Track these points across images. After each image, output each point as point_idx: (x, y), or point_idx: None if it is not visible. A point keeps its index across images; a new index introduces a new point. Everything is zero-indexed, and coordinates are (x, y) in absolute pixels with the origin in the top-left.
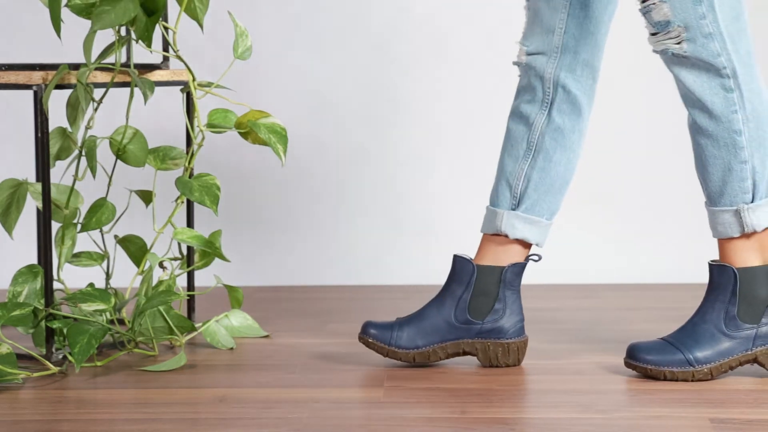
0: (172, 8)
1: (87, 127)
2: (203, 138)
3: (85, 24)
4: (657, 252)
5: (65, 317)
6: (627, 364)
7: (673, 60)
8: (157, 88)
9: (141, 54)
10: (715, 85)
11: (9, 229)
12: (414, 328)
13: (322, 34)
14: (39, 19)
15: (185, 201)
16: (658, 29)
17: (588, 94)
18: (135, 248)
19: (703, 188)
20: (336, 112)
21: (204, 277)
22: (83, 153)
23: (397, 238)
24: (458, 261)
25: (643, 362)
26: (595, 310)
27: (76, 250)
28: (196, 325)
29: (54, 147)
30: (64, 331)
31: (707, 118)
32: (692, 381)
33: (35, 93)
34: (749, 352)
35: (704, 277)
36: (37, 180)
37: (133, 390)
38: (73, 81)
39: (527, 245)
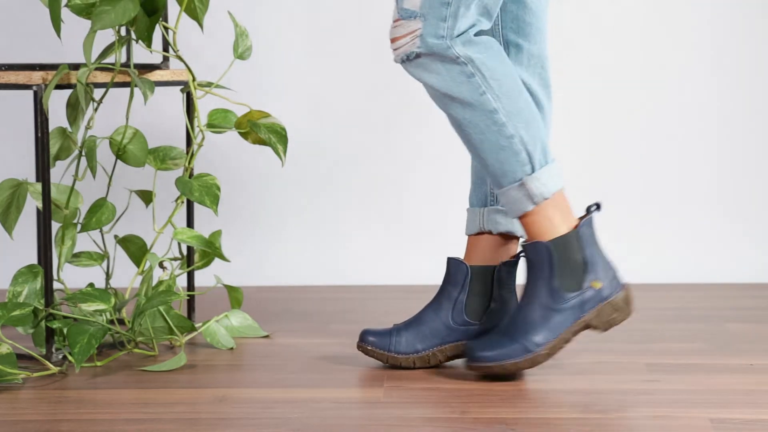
0: (172, 8)
1: (87, 127)
2: (203, 138)
3: (85, 24)
4: (657, 252)
5: (65, 317)
6: (469, 368)
7: (414, 65)
8: (157, 88)
9: (141, 54)
10: (456, 74)
11: (9, 229)
12: (412, 333)
13: (322, 34)
14: (39, 19)
15: (185, 201)
16: (403, 15)
17: (541, 83)
18: (135, 248)
19: (487, 177)
20: (336, 112)
21: (204, 277)
22: (83, 153)
23: (398, 238)
24: (452, 263)
25: (487, 360)
26: None
27: (76, 250)
28: (196, 325)
29: (54, 147)
30: (64, 331)
31: (462, 108)
32: (534, 366)
33: (35, 93)
34: (581, 319)
35: (704, 277)
36: (37, 180)
37: (133, 390)
38: (73, 81)
39: (514, 238)
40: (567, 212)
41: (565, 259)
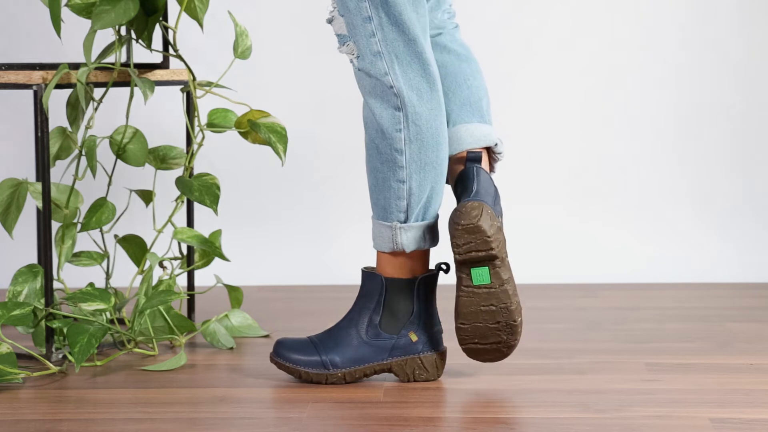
0: (172, 8)
1: (87, 127)
2: (203, 138)
3: (85, 24)
4: (657, 252)
5: (65, 317)
6: (271, 360)
7: (356, 71)
8: (157, 88)
9: (141, 54)
10: (386, 101)
11: (9, 229)
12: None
13: (322, 33)
14: (39, 19)
15: (185, 201)
16: (339, 42)
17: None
18: (135, 248)
19: (370, 198)
20: (336, 112)
21: (204, 277)
22: (83, 153)
23: None
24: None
25: (284, 359)
26: (595, 310)
27: (76, 250)
28: (196, 325)
29: (54, 147)
30: (64, 330)
31: (375, 131)
32: (326, 384)
33: (35, 93)
34: (384, 362)
35: (704, 277)
36: (37, 180)
37: (133, 390)
38: (73, 81)
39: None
40: (419, 266)
41: (394, 302)
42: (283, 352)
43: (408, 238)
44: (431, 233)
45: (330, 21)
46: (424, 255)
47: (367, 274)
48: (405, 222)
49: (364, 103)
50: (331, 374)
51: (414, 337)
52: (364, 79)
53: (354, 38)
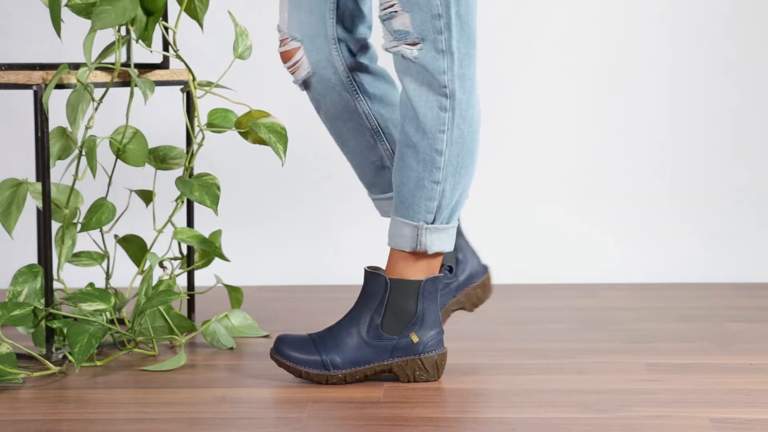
0: (172, 8)
1: (87, 127)
2: (203, 138)
3: (85, 24)
4: (657, 252)
5: (65, 317)
6: (271, 356)
7: (403, 65)
8: (157, 88)
9: (141, 54)
10: (433, 100)
11: (9, 229)
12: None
13: None
14: (39, 19)
15: (185, 201)
16: (394, 38)
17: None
18: (135, 248)
19: (394, 195)
20: None
21: (204, 277)
22: (83, 153)
23: None
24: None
25: (284, 357)
26: (595, 310)
27: (76, 250)
28: (196, 325)
29: (54, 147)
30: (64, 330)
31: (415, 129)
32: (326, 384)
33: (35, 93)
34: (385, 363)
35: (704, 277)
36: (37, 180)
37: (133, 390)
38: (73, 81)
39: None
40: (435, 267)
41: (397, 303)
42: (283, 349)
43: (432, 239)
44: (452, 237)
45: (387, 18)
46: (441, 257)
47: (371, 274)
48: (432, 223)
49: (403, 102)
50: (331, 375)
51: (415, 338)
52: (419, 74)
53: (421, 34)
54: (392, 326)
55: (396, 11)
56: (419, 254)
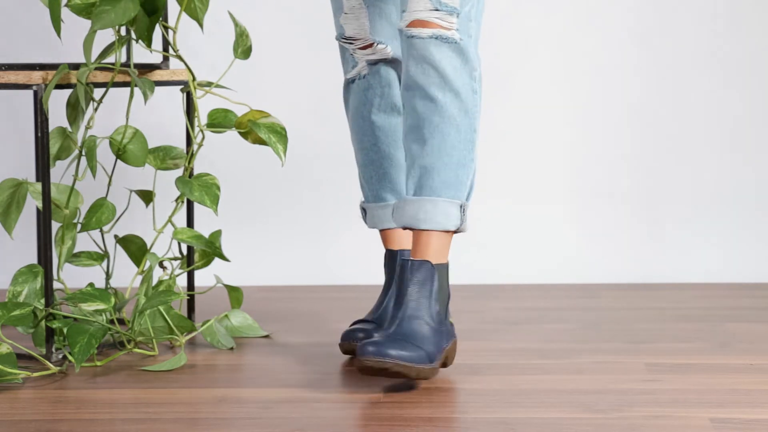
0: (172, 8)
1: (87, 127)
2: (203, 138)
3: (85, 24)
4: (657, 252)
5: (65, 317)
6: (372, 362)
7: (439, 46)
8: (157, 88)
9: (141, 54)
10: (468, 81)
11: (9, 229)
12: None
13: (322, 33)
14: (39, 19)
15: (185, 201)
16: (438, 6)
17: None
18: (135, 248)
19: (426, 177)
20: (336, 112)
21: (204, 277)
22: (83, 153)
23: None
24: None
25: (395, 358)
26: (595, 310)
27: (76, 250)
28: (196, 325)
29: (54, 147)
30: (64, 331)
31: (458, 109)
32: (429, 378)
33: (35, 93)
34: (446, 348)
35: (704, 277)
36: (37, 180)
37: (133, 390)
38: (73, 81)
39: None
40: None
41: (442, 287)
42: (388, 351)
43: (468, 216)
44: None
45: None
46: None
47: (418, 262)
48: (467, 200)
49: (436, 85)
50: (434, 368)
51: (452, 321)
52: (459, 56)
53: (467, 16)
54: (444, 311)
55: None
56: (450, 234)
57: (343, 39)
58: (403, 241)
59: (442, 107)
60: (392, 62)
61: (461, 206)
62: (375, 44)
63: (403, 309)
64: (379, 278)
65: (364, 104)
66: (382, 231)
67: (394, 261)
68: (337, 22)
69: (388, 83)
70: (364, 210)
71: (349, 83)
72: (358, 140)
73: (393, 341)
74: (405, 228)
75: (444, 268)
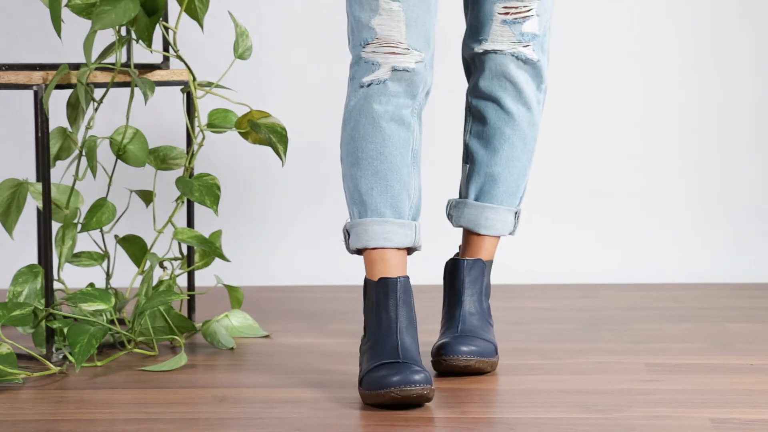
0: (172, 8)
1: (87, 127)
2: (203, 138)
3: (85, 24)
4: (657, 252)
5: (65, 317)
6: (455, 363)
7: (518, 63)
8: (157, 88)
9: (141, 54)
10: (539, 96)
11: (9, 229)
12: None
13: (323, 33)
14: (39, 19)
15: (185, 201)
16: (521, 39)
17: None
18: (135, 248)
19: (491, 185)
20: (336, 112)
21: (204, 277)
22: (83, 153)
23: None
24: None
25: (472, 355)
26: (595, 310)
27: (76, 250)
28: (196, 325)
29: (54, 147)
30: (64, 331)
31: (528, 122)
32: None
33: (35, 93)
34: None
35: (704, 277)
36: (37, 180)
37: (133, 390)
38: (73, 81)
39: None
40: None
41: (489, 283)
42: (467, 348)
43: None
44: None
45: (518, 22)
46: None
47: (471, 261)
48: (519, 205)
49: (516, 97)
50: (497, 359)
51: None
52: (534, 73)
53: (542, 35)
54: (488, 305)
55: (531, 15)
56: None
57: (376, 40)
58: (398, 264)
59: (515, 120)
60: (417, 74)
61: (516, 213)
62: (410, 50)
63: (464, 307)
64: None
65: (377, 110)
66: (369, 251)
67: (390, 292)
68: (365, 26)
69: (410, 95)
70: (348, 232)
71: (360, 87)
72: (360, 148)
73: (466, 339)
74: (462, 228)
75: (491, 264)
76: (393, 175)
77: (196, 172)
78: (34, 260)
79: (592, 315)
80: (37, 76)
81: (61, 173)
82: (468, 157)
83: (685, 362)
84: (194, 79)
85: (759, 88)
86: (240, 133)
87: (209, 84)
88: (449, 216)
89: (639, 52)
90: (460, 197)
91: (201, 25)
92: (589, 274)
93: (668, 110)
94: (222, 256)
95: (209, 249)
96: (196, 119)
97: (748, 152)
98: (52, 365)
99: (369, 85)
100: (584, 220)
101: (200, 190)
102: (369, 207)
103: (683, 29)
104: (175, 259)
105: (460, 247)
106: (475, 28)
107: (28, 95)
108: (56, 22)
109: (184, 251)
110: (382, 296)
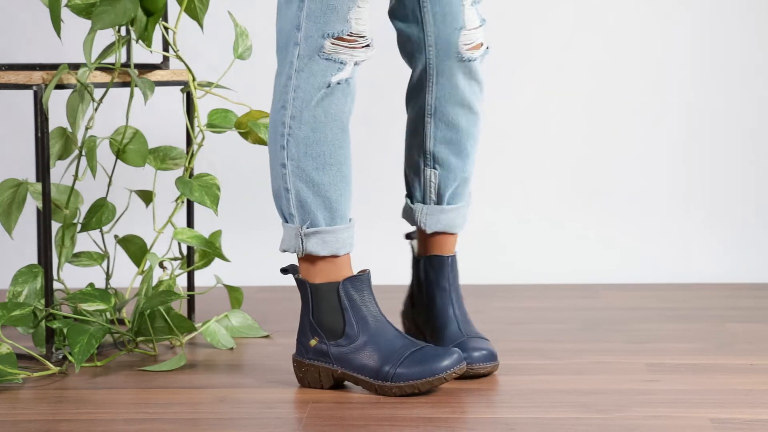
0: (172, 8)
1: (87, 127)
2: (203, 138)
3: (85, 24)
4: (657, 252)
5: (65, 317)
6: (484, 370)
7: (482, 62)
8: (157, 88)
9: (141, 54)
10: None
11: (9, 229)
12: None
13: None
14: (39, 19)
15: (185, 201)
16: (482, 24)
17: None
18: (135, 248)
19: (464, 186)
20: None
21: (204, 277)
22: (83, 153)
23: (397, 237)
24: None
25: (496, 358)
26: (595, 310)
27: (76, 250)
28: (196, 325)
29: (54, 147)
30: (64, 331)
31: (483, 120)
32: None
33: (35, 93)
34: None
35: (704, 277)
36: (37, 180)
37: (133, 390)
38: (73, 81)
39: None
40: None
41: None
42: (491, 350)
43: None
44: None
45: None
46: None
47: (453, 258)
48: None
49: (480, 97)
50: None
51: None
52: (478, 73)
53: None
54: None
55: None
56: None
57: (348, 35)
58: (352, 265)
59: (479, 119)
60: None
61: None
62: (371, 44)
63: (455, 307)
64: (377, 277)
65: (343, 112)
66: (335, 258)
67: (365, 287)
68: (340, 18)
69: (356, 89)
70: (305, 236)
71: (328, 86)
72: (329, 153)
73: (482, 340)
74: (436, 234)
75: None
76: (352, 178)
77: (196, 172)
78: (34, 260)
79: (592, 315)
80: (37, 76)
81: (61, 173)
82: (435, 163)
83: (685, 362)
84: (194, 79)
85: (759, 88)
86: (240, 133)
87: (209, 84)
88: (418, 223)
89: (639, 52)
90: (425, 202)
91: (201, 25)
92: (589, 274)
93: (668, 110)
94: (222, 256)
95: (209, 249)
96: (195, 119)
97: (748, 152)
98: (52, 365)
99: (338, 83)
100: (584, 220)
101: (200, 190)
102: (338, 214)
103: (684, 29)
104: (175, 259)
105: (411, 238)
106: (449, 27)
107: (28, 95)
108: (56, 22)
109: (184, 251)
110: (355, 294)
